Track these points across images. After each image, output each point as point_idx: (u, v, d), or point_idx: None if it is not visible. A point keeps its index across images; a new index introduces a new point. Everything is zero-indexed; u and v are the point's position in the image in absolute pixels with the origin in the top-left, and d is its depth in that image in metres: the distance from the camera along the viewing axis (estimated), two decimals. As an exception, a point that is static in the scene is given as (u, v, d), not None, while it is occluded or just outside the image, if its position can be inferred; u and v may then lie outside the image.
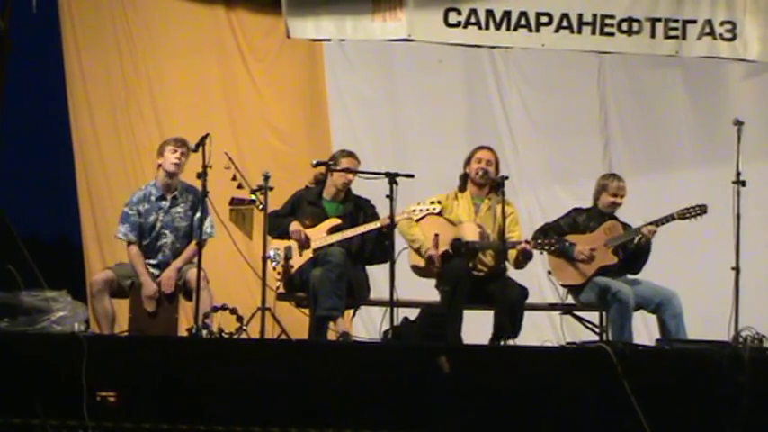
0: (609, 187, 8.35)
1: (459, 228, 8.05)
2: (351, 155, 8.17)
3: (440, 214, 8.00)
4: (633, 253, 8.21)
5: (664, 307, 8.04)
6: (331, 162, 8.10)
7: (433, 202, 7.91)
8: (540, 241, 7.98)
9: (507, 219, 7.94)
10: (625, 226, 8.29)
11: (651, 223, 8.13)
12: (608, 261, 8.18)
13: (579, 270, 8.19)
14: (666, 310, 8.03)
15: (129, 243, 8.00)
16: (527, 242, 7.92)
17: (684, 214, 8.10)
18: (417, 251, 8.08)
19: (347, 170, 8.09)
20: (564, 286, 8.33)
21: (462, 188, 8.21)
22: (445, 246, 7.97)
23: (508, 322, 7.56)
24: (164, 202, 8.05)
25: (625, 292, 8.00)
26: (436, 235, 8.01)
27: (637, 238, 8.16)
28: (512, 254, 7.96)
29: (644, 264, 8.27)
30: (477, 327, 7.87)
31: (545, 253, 8.13)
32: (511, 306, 7.64)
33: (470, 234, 7.99)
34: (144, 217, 8.03)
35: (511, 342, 7.51)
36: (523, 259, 7.97)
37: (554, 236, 8.12)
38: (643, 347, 7.32)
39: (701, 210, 8.07)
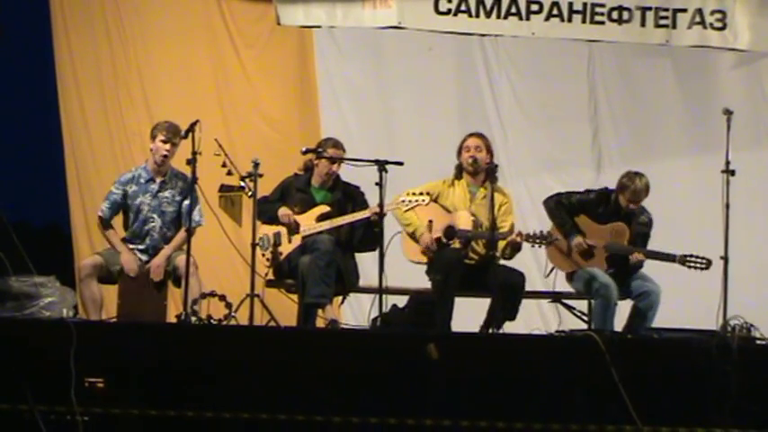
0: (626, 191, 8.10)
1: (452, 215, 8.03)
2: (336, 144, 8.13)
3: (435, 201, 8.00)
4: (623, 267, 8.13)
5: (644, 296, 8.01)
6: (320, 150, 8.09)
7: (422, 193, 7.85)
8: (530, 234, 7.93)
9: (501, 208, 7.94)
10: (636, 236, 8.13)
11: (644, 252, 8.02)
12: (599, 266, 8.10)
13: (571, 260, 8.16)
14: (645, 300, 7.99)
15: (101, 219, 8.00)
16: (518, 234, 7.88)
17: (686, 261, 7.98)
18: (412, 235, 8.06)
19: (336, 158, 8.07)
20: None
21: (458, 176, 8.19)
22: (438, 233, 7.97)
23: (505, 309, 7.59)
24: (152, 186, 8.03)
25: (610, 288, 7.91)
26: (430, 221, 8.00)
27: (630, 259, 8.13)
28: (501, 244, 7.93)
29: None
30: (465, 315, 7.88)
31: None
32: (512, 290, 7.67)
33: (464, 222, 7.97)
34: (131, 198, 8.01)
35: (504, 326, 7.55)
36: (512, 251, 7.93)
37: (546, 233, 8.06)
38: (631, 336, 7.33)
39: (706, 264, 7.93)
